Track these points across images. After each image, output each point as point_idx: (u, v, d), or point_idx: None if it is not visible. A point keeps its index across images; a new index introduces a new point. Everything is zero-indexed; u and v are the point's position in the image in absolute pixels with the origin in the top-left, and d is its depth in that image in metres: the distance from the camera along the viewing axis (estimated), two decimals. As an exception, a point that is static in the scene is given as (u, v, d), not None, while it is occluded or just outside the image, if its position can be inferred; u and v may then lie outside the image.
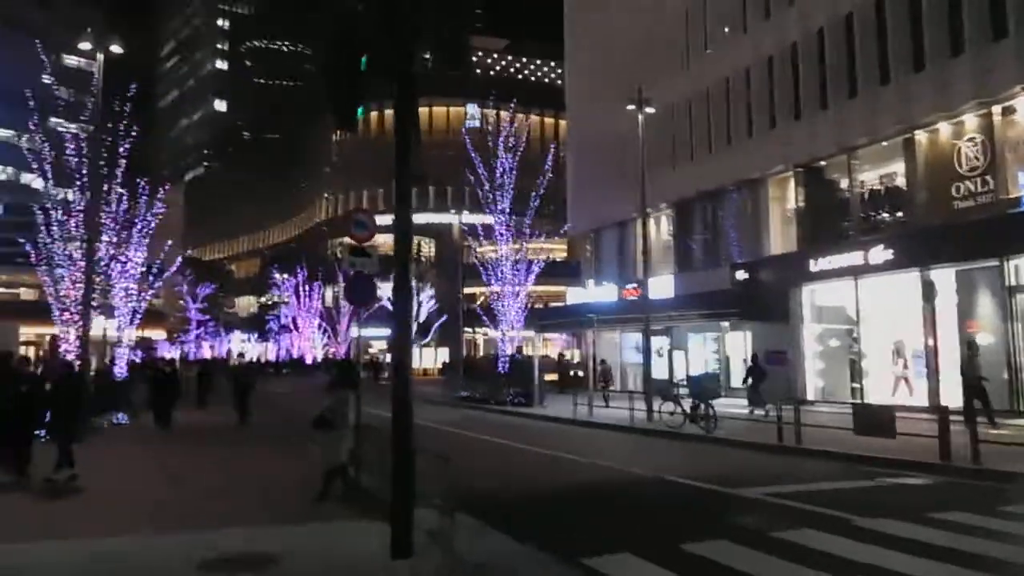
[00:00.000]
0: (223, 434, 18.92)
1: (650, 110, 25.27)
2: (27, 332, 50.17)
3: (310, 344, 69.54)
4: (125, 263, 24.41)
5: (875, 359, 23.26)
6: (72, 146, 21.88)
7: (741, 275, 27.63)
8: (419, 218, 75.49)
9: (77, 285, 20.66)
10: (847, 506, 9.59)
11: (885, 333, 22.95)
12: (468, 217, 38.64)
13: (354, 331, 40.72)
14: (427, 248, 77.97)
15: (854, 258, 22.94)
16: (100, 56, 19.11)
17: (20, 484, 10.98)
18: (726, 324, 29.35)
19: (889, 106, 23.18)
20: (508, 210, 30.84)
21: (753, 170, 28.99)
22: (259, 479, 12.10)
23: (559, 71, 68.69)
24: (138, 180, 25.48)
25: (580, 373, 35.40)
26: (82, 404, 12.22)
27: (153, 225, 25.75)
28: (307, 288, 67.69)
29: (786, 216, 28.55)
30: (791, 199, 28.19)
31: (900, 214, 23.90)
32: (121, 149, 23.56)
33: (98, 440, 16.64)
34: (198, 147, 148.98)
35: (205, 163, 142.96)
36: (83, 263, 20.27)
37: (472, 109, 78.65)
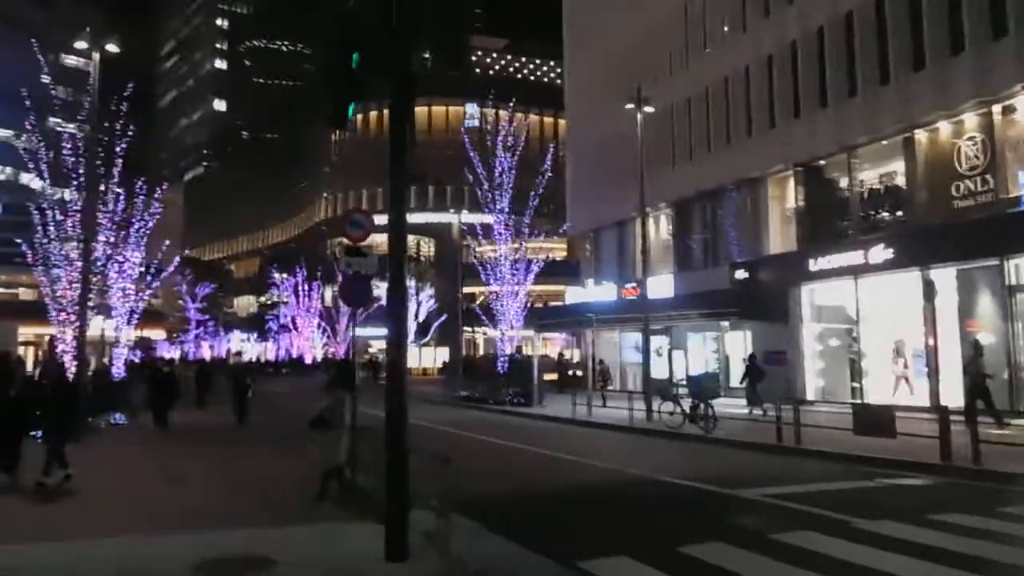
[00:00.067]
0: (221, 434, 18.86)
1: (649, 109, 25.22)
2: (26, 332, 50.11)
3: (309, 344, 69.47)
4: (123, 263, 24.36)
5: (875, 359, 23.20)
6: (69, 146, 21.79)
7: (740, 274, 27.58)
8: (418, 218, 75.88)
9: (74, 285, 20.58)
10: (846, 507, 9.54)
11: (885, 332, 22.90)
12: (467, 217, 38.57)
13: (352, 331, 40.53)
14: (426, 248, 77.99)
15: (854, 257, 22.89)
16: (96, 55, 19.03)
17: (13, 485, 10.91)
18: (726, 324, 29.29)
19: (889, 105, 23.11)
20: (507, 209, 30.78)
21: (753, 169, 28.92)
22: (256, 480, 12.05)
23: (559, 71, 68.61)
24: (136, 180, 25.43)
25: (579, 373, 35.34)
26: (77, 406, 12.13)
27: (151, 225, 25.72)
28: (306, 288, 67.63)
29: (786, 215, 28.48)
30: (791, 198, 28.12)
31: (900, 213, 23.83)
32: (118, 148, 23.48)
33: (95, 440, 16.59)
34: (197, 147, 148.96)
35: (204, 163, 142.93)
36: (80, 263, 20.19)
37: (471, 109, 78.66)
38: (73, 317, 20.65)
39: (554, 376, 33.62)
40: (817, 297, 25.74)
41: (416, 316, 62.04)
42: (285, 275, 71.48)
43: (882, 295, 22.94)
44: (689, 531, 8.58)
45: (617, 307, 33.58)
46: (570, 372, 35.24)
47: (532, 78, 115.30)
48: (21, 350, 43.52)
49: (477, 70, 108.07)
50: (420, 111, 79.63)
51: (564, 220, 43.29)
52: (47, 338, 34.26)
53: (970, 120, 21.28)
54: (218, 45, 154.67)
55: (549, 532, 8.83)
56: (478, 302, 38.01)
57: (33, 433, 11.34)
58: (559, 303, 48.07)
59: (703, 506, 10.41)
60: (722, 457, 15.00)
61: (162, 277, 29.02)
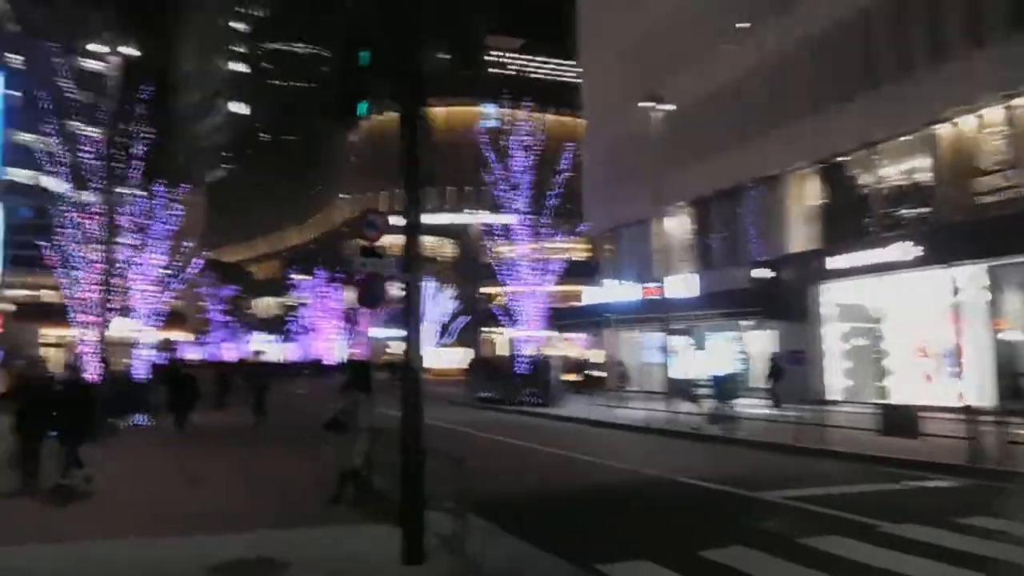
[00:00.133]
0: (238, 435, 18.89)
1: (666, 107, 25.01)
2: (48, 334, 50.70)
3: (330, 345, 69.73)
4: (143, 265, 24.51)
5: (899, 358, 22.88)
6: (89, 148, 21.92)
7: (761, 273, 27.29)
8: (437, 219, 76.03)
9: (94, 287, 20.70)
10: (871, 510, 9.33)
11: (909, 331, 22.58)
12: (486, 217, 38.50)
13: (372, 332, 40.67)
14: (446, 248, 78.07)
15: (876, 255, 22.58)
16: (115, 58, 19.13)
17: (28, 487, 10.92)
18: (747, 323, 29.02)
19: (910, 100, 22.72)
20: (525, 209, 30.65)
21: (772, 167, 28.60)
22: (272, 481, 12.01)
23: (575, 70, 68.42)
24: (156, 182, 25.61)
25: (597, 373, 35.16)
26: (92, 407, 12.13)
27: (171, 227, 25.88)
28: (326, 289, 67.88)
29: (806, 213, 28.12)
30: (811, 196, 27.77)
31: (923, 210, 23.46)
32: (137, 150, 23.64)
33: (115, 441, 16.67)
34: (217, 150, 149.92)
35: (225, 166, 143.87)
36: (100, 265, 20.31)
37: (488, 109, 78.55)
38: (94, 318, 20.78)
39: (573, 377, 33.43)
40: (839, 296, 25.42)
41: (436, 317, 62.19)
42: (305, 276, 71.85)
43: (906, 293, 22.61)
44: (710, 534, 8.43)
45: (637, 307, 33.34)
46: (586, 372, 35.04)
47: (548, 78, 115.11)
48: (44, 352, 44.06)
49: (493, 70, 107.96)
50: (437, 112, 79.75)
51: (583, 220, 43.10)
52: (69, 340, 34.62)
53: (994, 114, 20.90)
54: (237, 48, 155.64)
55: (566, 534, 8.71)
56: (498, 303, 37.94)
57: (52, 434, 11.35)
58: (578, 303, 47.88)
59: (724, 508, 10.24)
60: (743, 458, 14.81)
61: (183, 278, 29.17)
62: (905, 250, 21.51)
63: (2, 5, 60.63)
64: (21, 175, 56.10)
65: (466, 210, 78.26)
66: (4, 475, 11.17)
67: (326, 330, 69.79)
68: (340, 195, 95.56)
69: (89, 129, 23.06)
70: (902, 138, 23.52)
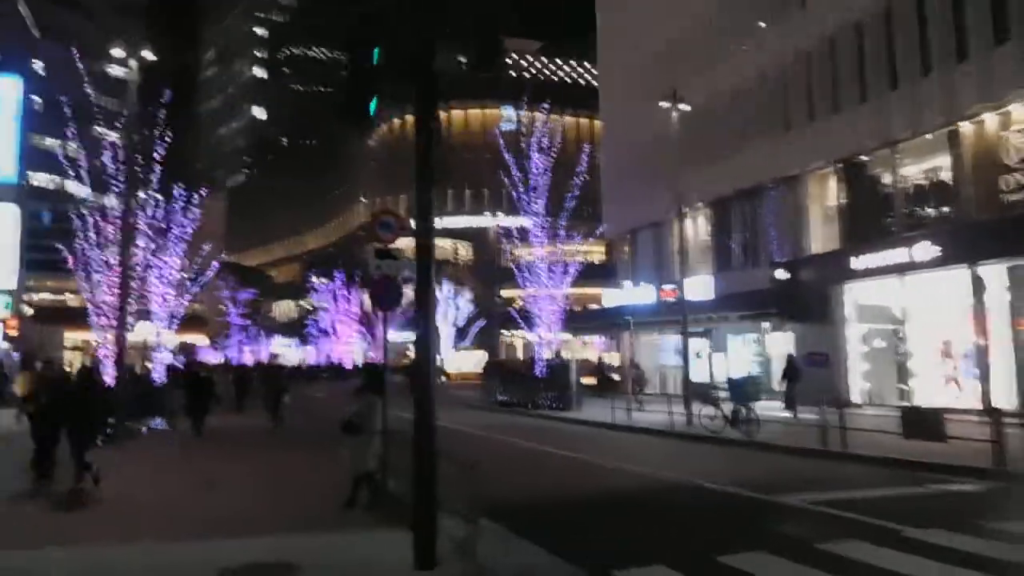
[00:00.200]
0: (255, 439, 18.91)
1: (685, 108, 24.84)
2: (73, 338, 51.23)
3: (349, 349, 69.94)
4: (162, 268, 24.64)
5: (922, 359, 22.55)
6: (110, 152, 22.08)
7: (781, 274, 27.03)
8: (455, 221, 76.08)
9: (114, 291, 20.83)
10: (895, 515, 9.12)
11: (932, 332, 22.25)
12: (504, 220, 38.43)
13: (391, 335, 40.67)
14: (464, 251, 78.10)
15: (898, 255, 22.27)
16: (135, 63, 19.26)
17: (41, 489, 10.94)
18: (767, 325, 28.74)
19: (932, 98, 22.42)
20: (544, 212, 30.53)
21: (792, 167, 28.32)
22: (287, 485, 11.98)
23: (593, 72, 68.20)
24: (176, 186, 25.77)
25: (616, 376, 34.95)
26: (99, 410, 12.15)
27: (190, 231, 26.02)
28: (345, 293, 68.10)
29: (827, 213, 27.81)
30: (832, 196, 27.46)
31: (946, 209, 23.12)
32: (157, 155, 23.80)
33: (132, 445, 16.77)
34: (238, 154, 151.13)
35: (245, 170, 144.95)
36: (119, 269, 20.43)
37: (507, 111, 78.56)
38: (114, 322, 20.90)
39: (592, 380, 33.27)
40: (861, 296, 25.11)
41: (454, 320, 62.22)
42: (324, 280, 72.12)
43: (929, 293, 22.28)
44: (729, 539, 8.28)
45: (655, 309, 33.17)
46: (604, 375, 34.81)
47: (567, 80, 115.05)
48: (68, 355, 44.54)
49: (511, 72, 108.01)
50: (456, 114, 79.87)
51: (601, 222, 42.93)
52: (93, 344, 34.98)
53: (1018, 111, 20.53)
54: (257, 53, 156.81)
55: (582, 539, 8.59)
56: (516, 305, 37.85)
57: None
58: (597, 306, 47.70)
59: (744, 513, 10.07)
60: (764, 462, 14.60)
61: (202, 282, 29.36)
62: (928, 249, 21.20)
63: (24, 11, 61.38)
64: (44, 179, 56.81)
65: (484, 213, 78.24)
66: (21, 478, 11.21)
67: (345, 334, 70.00)
68: (359, 199, 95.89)
69: (111, 134, 23.29)
70: (924, 136, 23.19)
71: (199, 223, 27.03)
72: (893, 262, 22.50)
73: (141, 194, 24.26)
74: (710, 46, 33.39)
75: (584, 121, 79.04)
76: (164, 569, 7.36)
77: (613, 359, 41.66)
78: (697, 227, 35.09)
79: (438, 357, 59.98)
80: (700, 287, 31.15)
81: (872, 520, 8.93)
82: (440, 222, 76.32)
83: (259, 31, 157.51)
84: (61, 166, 24.23)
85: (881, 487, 11.30)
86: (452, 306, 62.16)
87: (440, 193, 76.76)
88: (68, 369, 17.45)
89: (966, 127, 21.84)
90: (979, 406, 18.65)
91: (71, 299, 58.77)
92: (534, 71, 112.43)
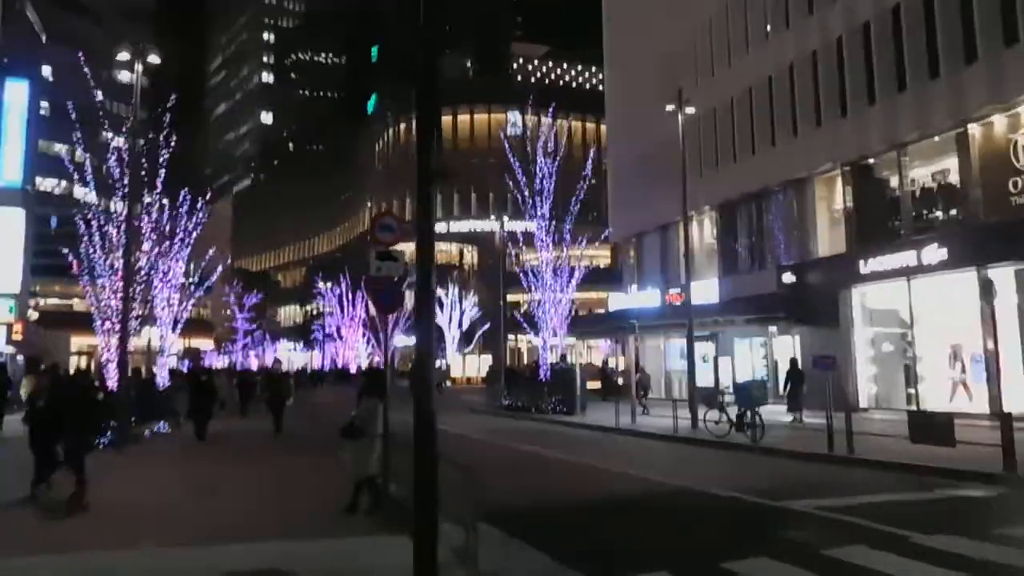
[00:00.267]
0: (257, 444, 18.81)
1: (691, 111, 24.72)
2: (80, 343, 51.37)
3: (354, 353, 69.96)
4: (167, 272, 24.64)
5: (931, 363, 22.36)
6: (115, 157, 22.09)
7: (788, 278, 26.88)
8: (461, 225, 76.00)
9: (118, 295, 20.81)
10: (904, 521, 8.99)
11: (941, 336, 22.06)
12: (510, 224, 38.32)
13: (399, 340, 40.67)
14: (469, 255, 78.02)
15: (907, 258, 22.11)
16: (139, 67, 19.24)
17: (37, 495, 10.86)
18: (773, 329, 28.57)
19: (940, 100, 22.27)
20: (550, 216, 30.45)
21: (799, 169, 28.18)
22: (288, 490, 11.90)
23: (600, 76, 68.12)
24: (181, 191, 25.80)
25: (620, 381, 34.80)
26: (95, 415, 12.07)
27: (195, 235, 26.03)
28: (351, 297, 68.16)
29: (834, 216, 27.66)
30: (839, 199, 27.31)
31: (954, 212, 22.95)
32: (162, 159, 23.82)
33: (134, 449, 16.72)
34: (245, 159, 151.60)
35: (252, 175, 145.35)
36: (124, 273, 20.40)
37: (513, 116, 78.49)
38: (118, 326, 20.86)
39: (598, 384, 33.11)
40: (868, 300, 24.94)
41: (460, 324, 62.18)
42: (330, 284, 72.18)
43: (937, 297, 22.10)
44: (734, 545, 8.16)
45: (661, 313, 33.03)
46: (606, 380, 34.67)
47: (574, 84, 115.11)
48: (74, 360, 44.64)
49: (518, 77, 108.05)
50: (463, 119, 79.86)
51: (607, 227, 42.82)
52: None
53: (1028, 113, 20.38)
54: (265, 59, 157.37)
55: (586, 545, 8.47)
56: (522, 310, 37.75)
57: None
58: (602, 310, 47.57)
59: (749, 519, 9.95)
60: (770, 467, 14.46)
61: (206, 286, 29.38)
62: (936, 252, 21.03)
63: (32, 16, 61.67)
64: (52, 184, 56.99)
65: (491, 217, 78.19)
66: (23, 483, 11.14)
67: (351, 338, 70.02)
68: (366, 203, 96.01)
69: (118, 139, 23.31)
70: (933, 138, 23.04)
71: (205, 228, 27.05)
72: (901, 265, 22.34)
73: (146, 198, 24.32)
74: (716, 50, 33.33)
75: (590, 125, 78.94)
76: (164, 575, 7.28)
77: (619, 363, 41.53)
78: (703, 230, 34.96)
79: (444, 362, 60.25)
80: (706, 291, 31.02)
81: (878, 526, 8.80)
82: (446, 226, 76.41)
83: (267, 36, 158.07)
84: (68, 171, 24.26)
85: (888, 492, 11.16)
86: (457, 310, 62.17)
87: (446, 197, 76.85)
88: (62, 373, 17.33)
89: (975, 129, 21.69)
90: (988, 410, 18.47)
91: (78, 304, 59.05)
92: (540, 75, 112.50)
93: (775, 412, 19.66)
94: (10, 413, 20.46)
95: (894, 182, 24.93)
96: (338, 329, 71.19)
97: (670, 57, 35.27)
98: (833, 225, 27.58)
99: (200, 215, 26.64)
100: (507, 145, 33.20)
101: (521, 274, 31.78)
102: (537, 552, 7.74)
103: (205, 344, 67.90)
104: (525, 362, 56.20)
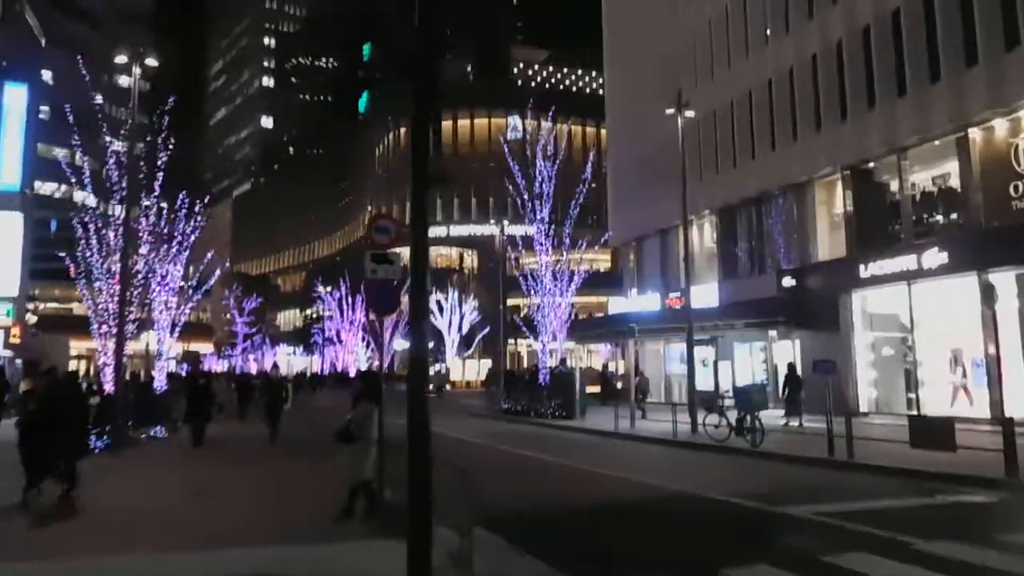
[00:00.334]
0: (254, 448, 18.69)
1: (691, 115, 24.67)
2: (79, 346, 51.24)
3: (354, 357, 69.85)
4: (164, 275, 24.56)
5: (931, 368, 22.27)
6: (113, 160, 22.03)
7: (788, 282, 26.81)
8: (461, 229, 75.96)
9: (115, 299, 20.73)
10: (904, 526, 8.90)
11: (942, 340, 21.98)
12: (510, 228, 38.27)
13: (400, 344, 40.54)
14: (469, 259, 77.96)
15: (907, 262, 22.05)
16: (137, 70, 19.20)
17: (28, 499, 10.77)
18: (773, 333, 28.50)
19: (940, 104, 22.21)
20: (550, 220, 30.38)
21: (799, 174, 28.13)
22: (284, 494, 11.82)
23: (600, 81, 68.14)
24: (180, 194, 25.73)
25: (620, 385, 34.70)
26: (84, 422, 11.98)
27: (193, 239, 25.95)
28: (350, 301, 68.07)
29: (834, 220, 27.60)
30: (839, 203, 27.25)
31: (955, 216, 22.88)
32: (160, 162, 23.76)
33: (130, 452, 16.63)
34: (246, 163, 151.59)
35: (252, 179, 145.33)
36: (120, 276, 20.34)
37: (513, 120, 78.52)
38: (115, 330, 20.78)
39: (597, 388, 33.00)
40: (869, 304, 24.86)
41: (460, 328, 62.09)
42: (330, 288, 72.08)
43: (938, 301, 22.03)
44: (733, 552, 8.08)
45: (661, 317, 32.94)
46: (606, 384, 34.56)
47: (574, 89, 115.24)
48: (73, 364, 44.52)
49: (518, 81, 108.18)
50: (463, 123, 79.88)
51: (607, 230, 42.75)
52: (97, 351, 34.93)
53: (1029, 117, 20.31)
54: (265, 63, 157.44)
55: (583, 551, 8.38)
56: (521, 314, 37.68)
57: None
58: (602, 315, 47.47)
59: (749, 525, 9.85)
60: (770, 472, 14.37)
61: (205, 289, 29.30)
62: (936, 256, 20.97)
63: (31, 19, 61.68)
64: (51, 188, 56.94)
65: (491, 221, 78.15)
66: (14, 488, 11.05)
67: (350, 342, 69.91)
68: (366, 207, 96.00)
69: (117, 143, 23.26)
70: (933, 142, 22.97)
71: (204, 231, 26.98)
72: (901, 269, 22.27)
73: (145, 201, 24.26)
74: (716, 53, 33.30)
75: (590, 129, 78.98)
76: (154, 581, 7.21)
77: (618, 367, 41.42)
78: (703, 234, 34.90)
79: (443, 366, 60.15)
80: (705, 295, 30.95)
81: (879, 531, 8.71)
82: (447, 230, 76.37)
83: (267, 41, 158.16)
84: (68, 175, 24.20)
85: (888, 497, 11.07)
86: (457, 314, 62.10)
87: (447, 201, 76.81)
88: (61, 376, 17.23)
89: (975, 133, 21.62)
90: (989, 415, 18.38)
91: (77, 308, 58.98)
92: (541, 80, 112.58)
93: (775, 416, 19.57)
94: (7, 417, 20.36)
95: (894, 186, 24.87)
96: (337, 333, 71.07)
97: (670, 59, 35.27)
98: (833, 229, 27.52)
99: (198, 218, 26.56)
100: (507, 149, 33.15)
101: (521, 278, 31.68)
102: (532, 558, 7.63)
103: (205, 348, 67.78)
104: (525, 366, 56.06)
